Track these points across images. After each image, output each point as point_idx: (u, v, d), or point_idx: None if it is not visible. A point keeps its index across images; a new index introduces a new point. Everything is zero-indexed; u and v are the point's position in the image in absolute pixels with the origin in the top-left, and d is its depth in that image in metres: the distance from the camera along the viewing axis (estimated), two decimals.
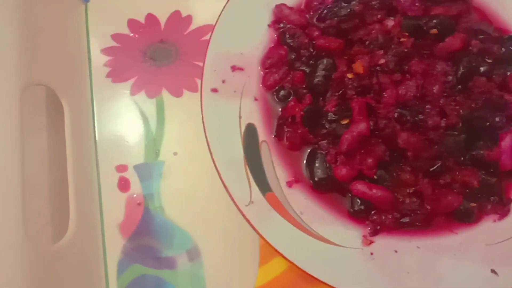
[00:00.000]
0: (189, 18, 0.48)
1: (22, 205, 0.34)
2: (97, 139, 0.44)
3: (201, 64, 0.41)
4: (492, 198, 0.39)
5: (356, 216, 0.39)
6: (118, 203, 0.42)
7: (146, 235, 0.41)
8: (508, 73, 0.41)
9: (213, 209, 0.42)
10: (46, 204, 0.39)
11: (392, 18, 0.42)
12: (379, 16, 0.42)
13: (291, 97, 0.42)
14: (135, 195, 0.43)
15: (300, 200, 0.39)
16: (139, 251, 0.41)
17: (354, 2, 0.42)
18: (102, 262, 0.41)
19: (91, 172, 0.43)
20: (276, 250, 0.36)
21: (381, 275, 0.37)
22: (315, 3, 0.44)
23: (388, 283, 0.36)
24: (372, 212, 0.38)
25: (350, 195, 0.39)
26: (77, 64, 0.45)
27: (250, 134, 0.40)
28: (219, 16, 0.42)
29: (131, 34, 0.47)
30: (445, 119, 0.38)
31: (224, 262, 0.41)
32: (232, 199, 0.37)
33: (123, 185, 0.43)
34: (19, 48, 0.39)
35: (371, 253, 0.37)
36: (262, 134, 0.41)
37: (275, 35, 0.44)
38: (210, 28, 0.43)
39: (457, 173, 0.39)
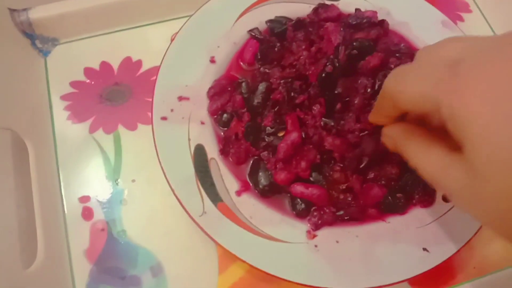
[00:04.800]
0: (139, 62, 0.52)
1: None
2: (60, 174, 0.46)
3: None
4: (417, 189, 0.43)
5: (299, 215, 0.42)
6: (83, 231, 0.44)
7: (111, 258, 0.43)
8: None
9: (172, 226, 0.45)
10: (16, 237, 0.41)
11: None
12: (303, 46, 0.47)
13: (234, 118, 0.45)
14: (98, 223, 0.45)
15: (249, 206, 0.42)
16: (106, 273, 0.43)
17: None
18: (71, 286, 0.42)
19: (57, 205, 0.45)
20: (230, 252, 0.39)
21: (327, 264, 0.40)
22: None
23: (334, 270, 0.39)
24: (312, 209, 0.42)
25: (290, 195, 0.42)
26: (39, 110, 0.49)
27: (199, 153, 0.43)
28: (164, 56, 0.47)
29: (88, 81, 0.51)
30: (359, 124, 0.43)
31: (186, 274, 0.43)
32: (187, 211, 0.40)
33: (87, 214, 0.45)
34: None
35: (316, 246, 0.40)
36: (210, 152, 0.44)
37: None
38: (158, 69, 0.46)
39: (382, 167, 0.43)
